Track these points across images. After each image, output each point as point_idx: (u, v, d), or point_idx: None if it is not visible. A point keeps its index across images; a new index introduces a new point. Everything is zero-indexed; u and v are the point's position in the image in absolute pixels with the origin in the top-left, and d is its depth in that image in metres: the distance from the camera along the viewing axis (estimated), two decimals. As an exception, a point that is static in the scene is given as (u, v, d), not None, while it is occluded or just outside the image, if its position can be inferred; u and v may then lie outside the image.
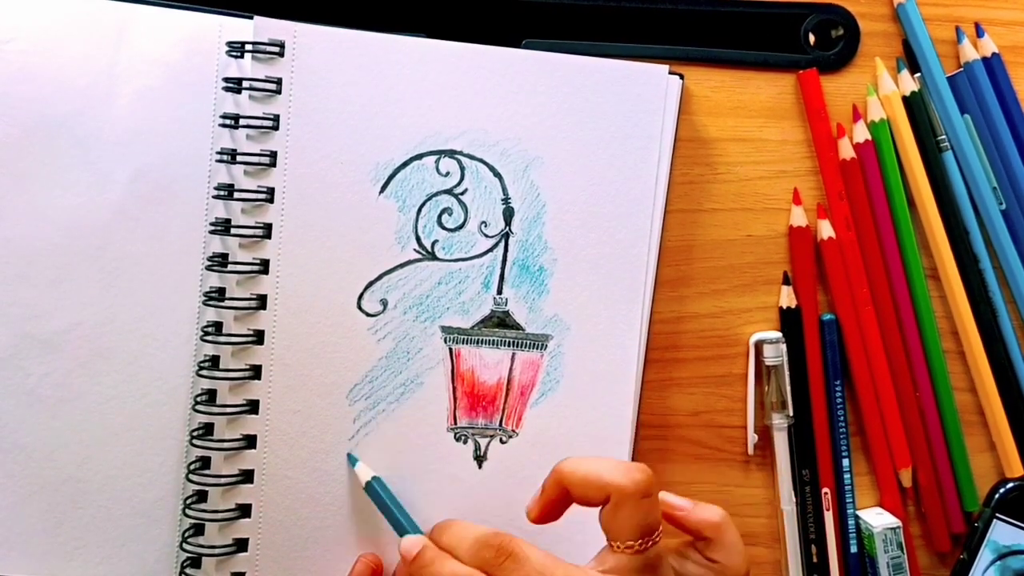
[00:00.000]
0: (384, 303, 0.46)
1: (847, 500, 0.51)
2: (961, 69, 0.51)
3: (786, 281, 0.51)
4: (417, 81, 0.46)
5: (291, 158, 0.45)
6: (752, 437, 0.50)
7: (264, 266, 0.45)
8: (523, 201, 0.47)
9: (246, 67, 0.45)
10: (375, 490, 0.44)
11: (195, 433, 0.45)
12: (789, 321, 0.50)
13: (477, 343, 0.46)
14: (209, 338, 0.45)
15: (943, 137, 0.51)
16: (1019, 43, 0.52)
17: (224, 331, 0.45)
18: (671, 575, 0.39)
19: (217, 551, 0.44)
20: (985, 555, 0.51)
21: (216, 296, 0.45)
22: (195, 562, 0.45)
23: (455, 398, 0.46)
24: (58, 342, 0.45)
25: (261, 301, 0.45)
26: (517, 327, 0.47)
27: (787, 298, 0.51)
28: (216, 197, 0.45)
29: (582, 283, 0.47)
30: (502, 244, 0.47)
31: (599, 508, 0.38)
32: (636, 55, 0.49)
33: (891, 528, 0.50)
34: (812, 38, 0.51)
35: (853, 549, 0.51)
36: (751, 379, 0.50)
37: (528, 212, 0.47)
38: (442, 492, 0.46)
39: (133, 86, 0.45)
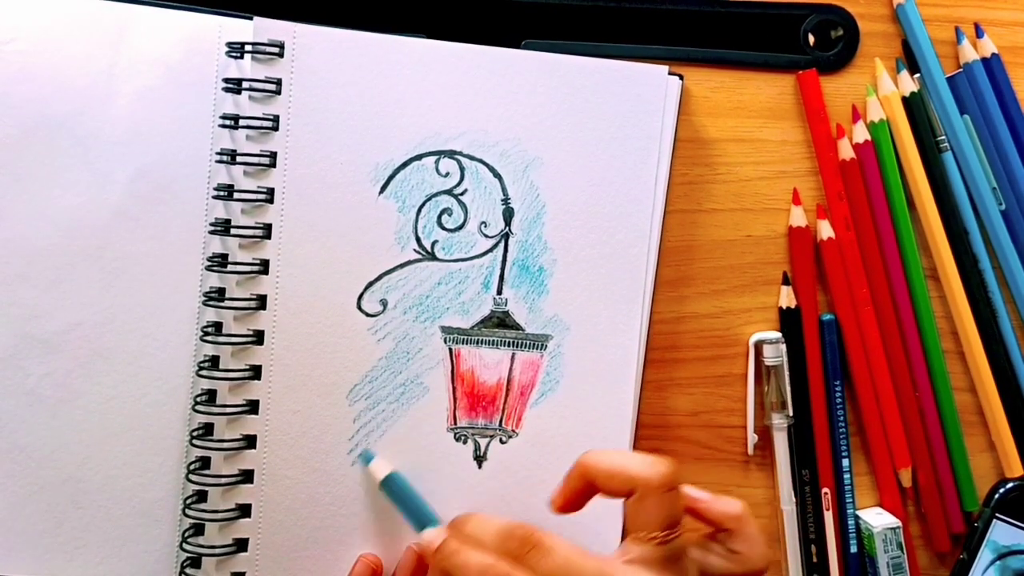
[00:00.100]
0: (384, 303, 0.46)
1: (847, 500, 0.51)
2: (960, 70, 0.51)
3: (786, 281, 0.51)
4: (417, 81, 0.46)
5: (291, 158, 0.45)
6: (752, 437, 0.50)
7: (264, 266, 0.45)
8: (523, 201, 0.47)
9: (246, 68, 0.45)
10: (394, 484, 0.44)
11: (195, 433, 0.45)
12: (789, 321, 0.50)
13: (477, 343, 0.46)
14: (209, 338, 0.45)
15: (943, 137, 0.51)
16: (1018, 44, 0.52)
17: (224, 331, 0.45)
18: (692, 567, 0.39)
19: (217, 551, 0.44)
20: (985, 555, 0.51)
21: (216, 296, 0.45)
22: (195, 562, 0.45)
23: (455, 398, 0.46)
24: (58, 342, 0.45)
25: (261, 301, 0.45)
26: (517, 327, 0.47)
27: (787, 298, 0.51)
28: (216, 197, 0.45)
29: (582, 283, 0.47)
30: (502, 244, 0.47)
31: (623, 500, 0.38)
32: (636, 55, 0.49)
33: (891, 528, 0.50)
34: (812, 38, 0.51)
35: (853, 549, 0.51)
36: (751, 379, 0.50)
37: (528, 212, 0.47)
38: (442, 492, 0.46)
39: (133, 86, 0.45)
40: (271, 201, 0.45)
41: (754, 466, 0.51)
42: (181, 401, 0.45)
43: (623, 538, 0.46)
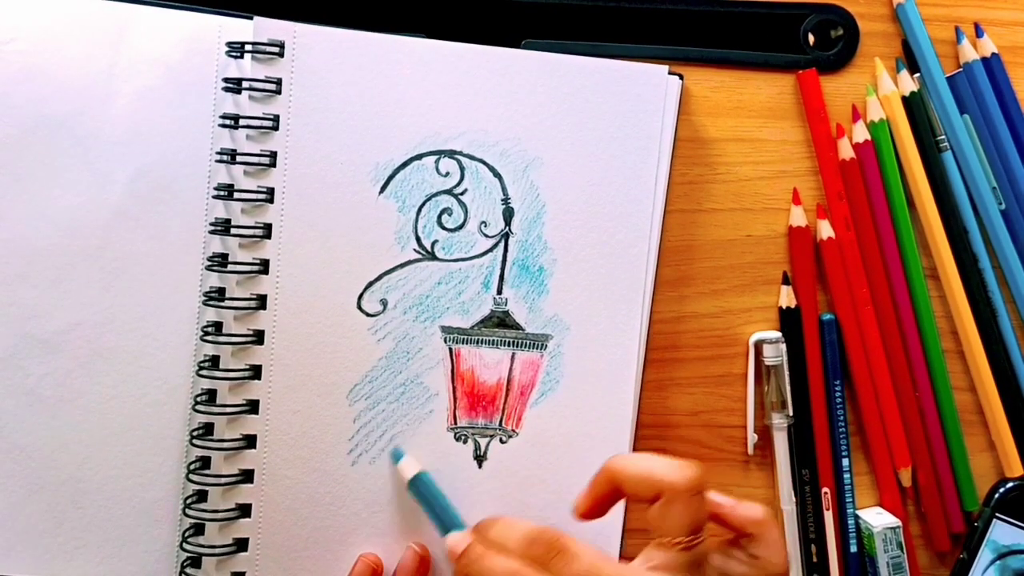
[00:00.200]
0: (384, 303, 0.46)
1: (847, 500, 0.51)
2: (960, 69, 0.51)
3: (786, 281, 0.51)
4: (417, 81, 0.46)
5: (291, 158, 0.45)
6: (752, 437, 0.50)
7: (264, 266, 0.45)
8: (523, 201, 0.47)
9: (246, 67, 0.45)
10: (421, 485, 0.44)
11: (195, 433, 0.45)
12: (789, 321, 0.50)
13: (477, 343, 0.46)
14: (209, 338, 0.45)
15: (942, 137, 0.51)
16: (1018, 43, 0.52)
17: (224, 331, 0.45)
18: (713, 573, 0.39)
19: (217, 551, 0.44)
20: (985, 555, 0.51)
21: (216, 296, 0.45)
22: (195, 562, 0.45)
23: (455, 398, 0.46)
24: (58, 342, 0.45)
25: (261, 301, 0.45)
26: (517, 327, 0.47)
27: (787, 298, 0.51)
28: (216, 197, 0.45)
29: (582, 283, 0.47)
30: (502, 244, 0.47)
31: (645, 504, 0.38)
32: (636, 55, 0.49)
33: (891, 528, 0.50)
34: (811, 38, 0.51)
35: (853, 549, 0.51)
36: (751, 379, 0.50)
37: (528, 212, 0.47)
38: (442, 492, 0.46)
39: (133, 86, 0.45)
40: (271, 201, 0.45)
41: (754, 466, 0.51)
42: (181, 401, 0.45)
43: (622, 538, 0.47)
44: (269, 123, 0.45)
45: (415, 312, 0.46)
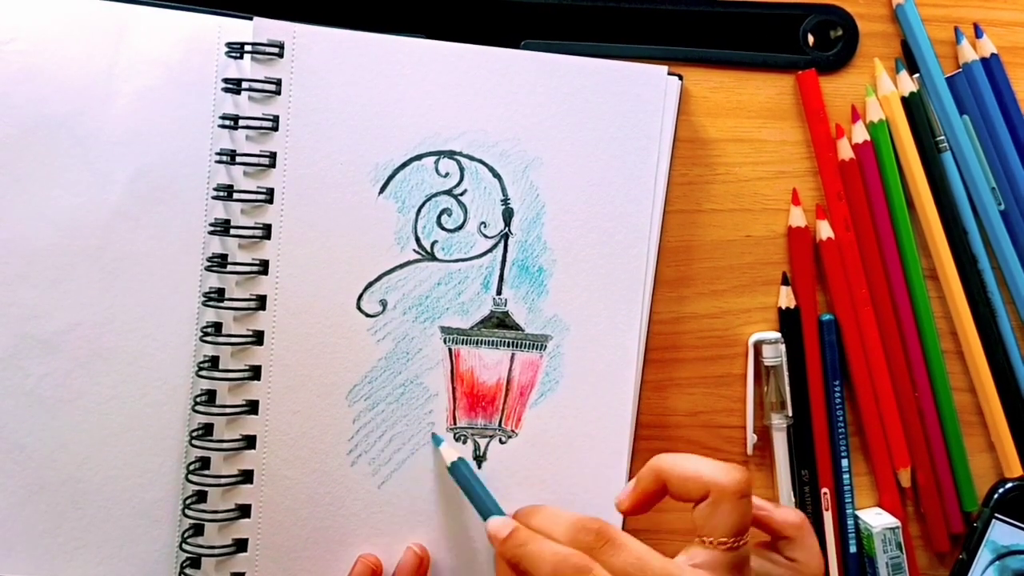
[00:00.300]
0: (383, 304, 0.46)
1: (846, 500, 0.51)
2: (960, 70, 0.51)
3: (785, 281, 0.51)
4: (416, 82, 0.46)
5: (290, 159, 0.45)
6: (751, 437, 0.50)
7: (263, 267, 0.45)
8: (522, 202, 0.47)
9: (245, 68, 0.45)
10: (464, 468, 0.44)
11: (195, 433, 0.45)
12: (788, 321, 0.50)
13: (476, 343, 0.46)
14: (209, 338, 0.45)
15: (942, 138, 0.51)
16: (1018, 44, 0.52)
17: (224, 331, 0.45)
18: (752, 574, 0.39)
19: (217, 551, 0.45)
20: (984, 555, 0.51)
21: (216, 296, 0.45)
22: (195, 562, 0.45)
23: (454, 398, 0.46)
24: (58, 342, 0.45)
25: (260, 301, 0.45)
26: (516, 327, 0.47)
27: (786, 298, 0.51)
28: (215, 198, 0.45)
29: (581, 283, 0.47)
30: (501, 245, 0.47)
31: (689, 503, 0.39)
32: (635, 55, 0.49)
33: (890, 528, 0.50)
34: (811, 39, 0.51)
35: (852, 549, 0.51)
36: (750, 379, 0.50)
37: (527, 213, 0.47)
38: (442, 492, 0.46)
39: (133, 86, 0.45)
40: (271, 201, 0.45)
41: (753, 466, 0.51)
42: (181, 401, 0.45)
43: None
44: (269, 123, 0.45)
45: (415, 313, 0.46)
